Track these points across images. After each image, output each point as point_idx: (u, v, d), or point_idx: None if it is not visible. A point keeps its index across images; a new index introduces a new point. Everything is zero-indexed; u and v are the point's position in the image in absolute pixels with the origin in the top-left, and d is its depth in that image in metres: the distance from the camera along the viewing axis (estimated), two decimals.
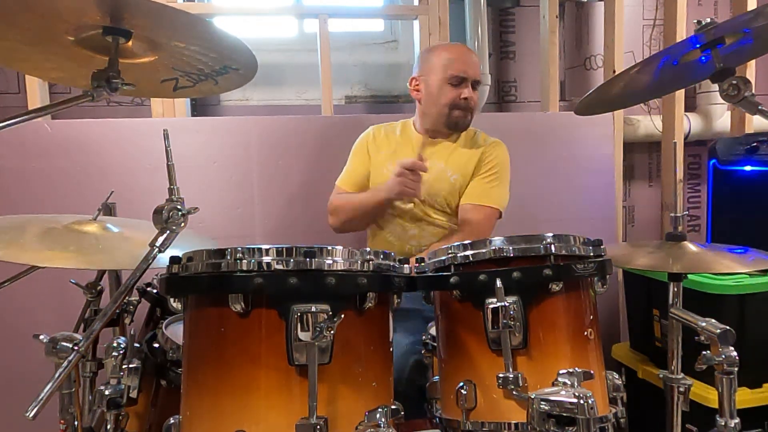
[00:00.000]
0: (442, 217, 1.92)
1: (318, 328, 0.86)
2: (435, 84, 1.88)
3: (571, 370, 0.96)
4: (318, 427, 0.85)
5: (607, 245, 1.13)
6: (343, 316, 0.88)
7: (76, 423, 1.05)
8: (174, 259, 0.97)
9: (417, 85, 1.94)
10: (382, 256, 0.99)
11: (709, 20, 1.09)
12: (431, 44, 2.43)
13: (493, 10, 2.82)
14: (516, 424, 0.99)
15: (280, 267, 0.90)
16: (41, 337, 0.98)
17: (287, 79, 2.72)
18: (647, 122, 2.80)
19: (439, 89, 1.87)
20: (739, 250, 1.44)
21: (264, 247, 0.91)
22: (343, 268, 0.93)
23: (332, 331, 0.87)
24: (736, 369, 1.20)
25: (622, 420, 1.08)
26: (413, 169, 1.68)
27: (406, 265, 1.06)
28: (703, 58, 1.20)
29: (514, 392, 0.99)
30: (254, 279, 0.88)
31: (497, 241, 1.06)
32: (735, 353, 1.19)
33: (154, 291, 1.54)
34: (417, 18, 2.51)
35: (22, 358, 2.01)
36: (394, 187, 1.72)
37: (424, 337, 1.38)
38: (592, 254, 1.09)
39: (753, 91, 1.11)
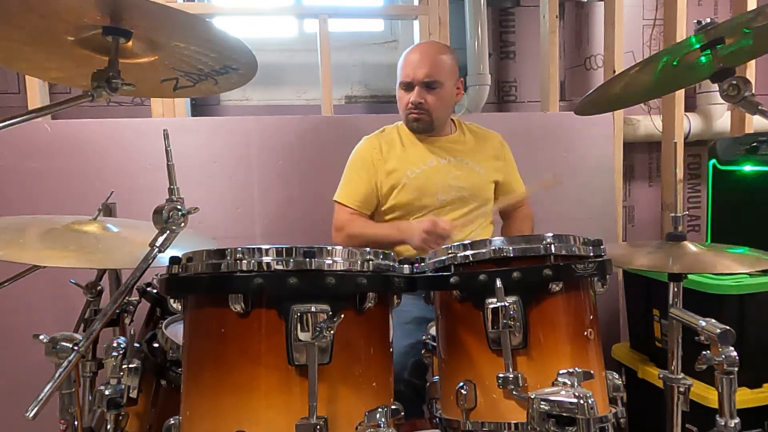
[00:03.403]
0: (483, 213, 1.93)
1: (318, 328, 0.86)
2: (397, 90, 1.93)
3: (571, 370, 0.95)
4: (318, 427, 0.85)
5: (607, 245, 1.13)
6: (343, 316, 0.88)
7: (76, 423, 1.05)
8: (174, 260, 0.97)
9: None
10: (381, 256, 1.00)
11: (709, 20, 1.09)
12: None
13: (493, 10, 2.82)
14: (516, 424, 0.99)
15: (280, 267, 0.90)
16: (41, 337, 0.98)
17: (287, 79, 2.72)
18: (647, 122, 2.80)
19: (398, 95, 1.92)
20: (739, 250, 1.44)
21: (264, 247, 0.91)
22: (342, 268, 0.93)
23: (332, 331, 0.87)
24: (736, 369, 1.20)
25: (622, 420, 1.08)
26: (441, 235, 1.66)
27: (406, 265, 1.06)
28: (703, 58, 1.20)
29: (514, 392, 0.99)
30: (254, 279, 0.88)
31: (497, 241, 1.06)
32: (735, 353, 1.19)
33: (154, 291, 1.54)
34: (417, 18, 2.51)
35: (22, 358, 2.01)
36: (417, 240, 1.69)
37: (424, 337, 1.38)
38: (592, 254, 1.09)
39: (753, 91, 1.11)
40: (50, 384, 0.88)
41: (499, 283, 0.99)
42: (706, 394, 1.77)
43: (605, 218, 2.58)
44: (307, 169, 2.33)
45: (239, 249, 0.91)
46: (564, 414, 0.90)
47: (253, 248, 0.91)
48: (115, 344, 1.12)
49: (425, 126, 1.90)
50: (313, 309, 0.88)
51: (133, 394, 1.11)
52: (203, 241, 1.53)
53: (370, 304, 0.95)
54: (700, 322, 1.24)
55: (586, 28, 2.92)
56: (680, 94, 2.63)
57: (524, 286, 1.01)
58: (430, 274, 1.10)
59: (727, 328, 1.20)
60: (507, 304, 0.98)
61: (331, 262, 0.92)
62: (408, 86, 1.87)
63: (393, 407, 0.97)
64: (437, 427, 1.16)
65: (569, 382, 0.94)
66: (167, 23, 1.08)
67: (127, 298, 1.43)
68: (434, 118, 1.89)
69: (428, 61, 1.85)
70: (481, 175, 1.94)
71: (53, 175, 2.15)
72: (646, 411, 2.01)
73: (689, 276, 1.81)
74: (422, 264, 1.13)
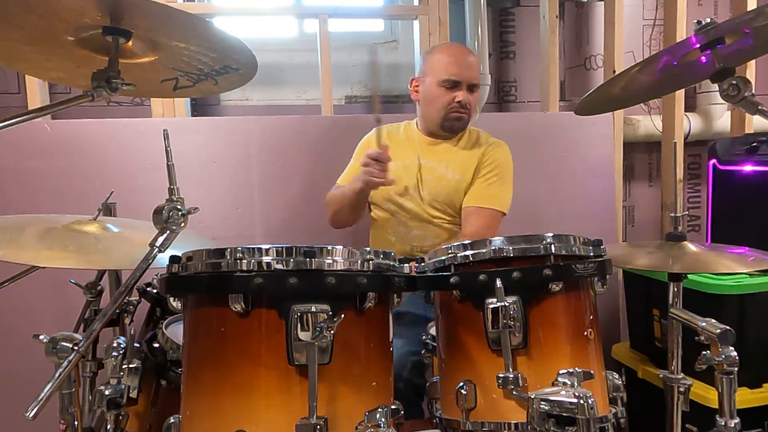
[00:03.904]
0: (446, 217, 1.91)
1: (318, 328, 0.86)
2: (431, 86, 1.89)
3: (571, 370, 0.96)
4: (318, 427, 0.85)
5: (607, 245, 1.13)
6: (343, 316, 0.88)
7: (76, 423, 1.05)
8: (174, 259, 0.96)
9: (416, 86, 1.96)
10: (382, 256, 0.99)
11: (709, 20, 1.09)
12: (432, 44, 2.43)
13: (493, 10, 2.82)
14: (516, 424, 0.99)
15: (280, 267, 0.90)
16: (41, 337, 0.98)
17: (287, 79, 2.72)
18: (647, 122, 2.80)
19: (434, 92, 1.88)
20: (739, 250, 1.44)
21: (264, 247, 0.91)
22: (343, 268, 0.93)
23: (332, 331, 0.87)
24: (736, 369, 1.20)
25: (622, 420, 1.08)
26: (377, 159, 1.67)
27: (405, 265, 1.06)
28: (703, 58, 1.20)
29: (514, 392, 0.99)
30: (254, 279, 0.88)
31: (497, 241, 1.06)
32: (735, 353, 1.19)
33: (154, 291, 1.54)
34: (417, 18, 2.51)
35: (22, 358, 2.01)
36: (362, 176, 1.71)
37: (424, 337, 1.38)
38: (592, 254, 1.09)
39: (753, 91, 1.11)
40: (50, 384, 0.88)
41: (499, 283, 0.99)
42: (706, 394, 1.77)
43: (605, 218, 2.58)
44: (307, 169, 2.33)
45: (239, 249, 0.91)
46: (564, 414, 0.90)
47: (253, 248, 0.91)
48: (115, 344, 1.12)
49: (463, 125, 1.93)
50: (313, 309, 0.88)
51: (133, 394, 1.11)
52: (203, 241, 1.52)
53: (370, 304, 0.95)
54: (700, 322, 1.24)
55: (586, 28, 2.92)
56: (680, 94, 2.63)
57: (524, 286, 1.01)
58: (430, 274, 1.10)
59: (727, 328, 1.20)
60: (507, 304, 0.98)
61: (331, 261, 0.92)
62: (454, 85, 1.86)
63: (393, 407, 0.97)
64: (437, 427, 1.16)
65: (569, 382, 0.94)
66: (167, 23, 1.08)
67: (127, 298, 1.43)
68: (470, 118, 1.94)
69: (473, 63, 1.90)
70: (453, 182, 1.90)
71: (53, 175, 2.15)
72: (646, 411, 2.01)
73: (689, 276, 1.81)
74: (422, 264, 1.13)
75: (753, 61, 2.61)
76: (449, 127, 1.91)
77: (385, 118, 2.15)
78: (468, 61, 1.89)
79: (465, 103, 1.87)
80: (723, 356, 1.19)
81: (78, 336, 0.97)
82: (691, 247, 1.41)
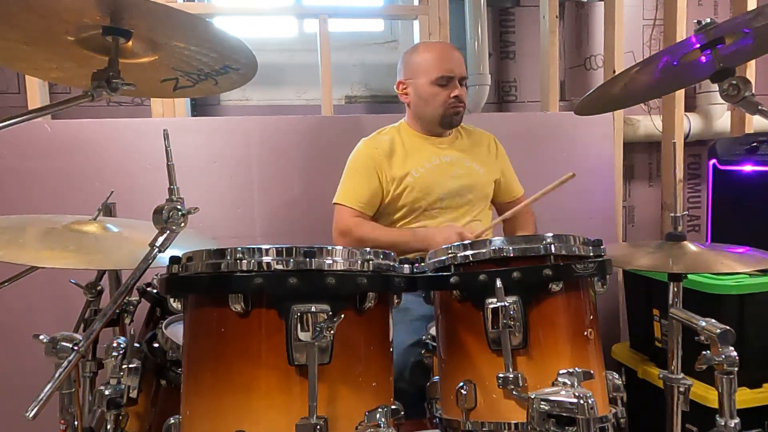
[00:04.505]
0: (483, 211, 1.96)
1: (318, 328, 0.86)
2: (423, 86, 1.88)
3: (571, 370, 0.95)
4: (318, 427, 0.85)
5: (607, 245, 1.13)
6: (343, 316, 0.88)
7: (76, 423, 1.05)
8: (174, 259, 0.97)
9: (405, 89, 1.94)
10: (382, 256, 1.00)
11: (709, 20, 1.09)
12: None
13: (493, 10, 2.82)
14: (516, 424, 0.99)
15: (280, 267, 0.90)
16: (41, 337, 0.98)
17: (287, 79, 2.72)
18: (647, 122, 2.80)
19: (430, 91, 1.88)
20: (739, 250, 1.44)
21: (264, 247, 0.91)
22: (343, 268, 0.93)
23: (332, 331, 0.87)
24: (736, 369, 1.20)
25: (622, 420, 1.08)
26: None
27: (406, 265, 1.06)
28: (703, 58, 1.20)
29: (514, 392, 0.99)
30: (254, 279, 0.88)
31: (497, 241, 1.06)
32: (735, 353, 1.19)
33: (154, 291, 1.54)
34: (417, 18, 2.51)
35: (22, 358, 2.01)
36: (451, 237, 1.68)
37: (424, 337, 1.38)
38: (592, 254, 1.09)
39: (753, 91, 1.11)
40: (50, 384, 0.88)
41: (499, 283, 0.99)
42: (706, 394, 1.77)
43: (605, 218, 2.58)
44: (307, 169, 2.33)
45: (239, 249, 0.91)
46: (564, 414, 0.90)
47: (253, 248, 0.91)
48: (115, 344, 1.12)
49: (461, 119, 1.95)
50: (313, 309, 0.88)
51: (133, 394, 1.11)
52: (203, 241, 1.52)
53: (370, 304, 0.95)
54: (700, 322, 1.24)
55: (586, 28, 2.92)
56: (680, 94, 2.63)
57: (524, 286, 1.01)
58: (430, 274, 1.10)
59: (727, 328, 1.20)
60: (507, 304, 0.98)
61: (331, 261, 0.92)
62: (449, 80, 1.86)
63: (393, 407, 0.97)
64: (437, 427, 1.16)
65: (569, 382, 0.94)
66: (167, 23, 1.08)
67: (127, 298, 1.43)
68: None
69: (460, 57, 1.92)
70: (481, 175, 1.96)
71: (53, 175, 2.15)
72: (646, 411, 2.01)
73: (689, 276, 1.81)
74: (422, 264, 1.13)
75: (753, 61, 2.62)
76: (449, 122, 1.92)
77: (384, 119, 2.15)
78: (456, 56, 1.91)
79: (462, 97, 1.89)
80: (723, 356, 1.19)
81: (78, 336, 0.97)
82: (691, 247, 1.40)
